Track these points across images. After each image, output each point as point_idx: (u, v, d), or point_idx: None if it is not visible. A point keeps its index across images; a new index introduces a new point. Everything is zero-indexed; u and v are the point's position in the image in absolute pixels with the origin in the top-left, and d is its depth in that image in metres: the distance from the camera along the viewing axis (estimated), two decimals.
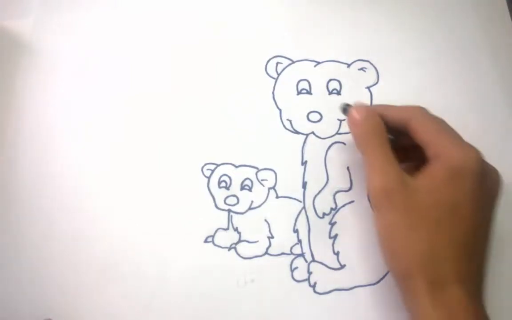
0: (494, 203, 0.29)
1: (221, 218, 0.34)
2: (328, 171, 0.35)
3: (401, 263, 0.27)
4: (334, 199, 0.35)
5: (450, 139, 0.28)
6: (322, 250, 0.33)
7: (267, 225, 0.34)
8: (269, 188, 0.35)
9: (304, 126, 0.36)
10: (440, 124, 0.29)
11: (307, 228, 0.34)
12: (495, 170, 0.30)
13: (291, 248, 0.34)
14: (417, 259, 0.26)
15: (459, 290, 0.26)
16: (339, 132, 0.36)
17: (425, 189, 0.27)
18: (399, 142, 0.31)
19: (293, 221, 0.34)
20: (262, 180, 0.35)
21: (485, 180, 0.28)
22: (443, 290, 0.26)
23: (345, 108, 0.32)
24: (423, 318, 0.26)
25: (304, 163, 0.35)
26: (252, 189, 0.35)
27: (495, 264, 0.30)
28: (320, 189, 0.35)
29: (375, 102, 0.37)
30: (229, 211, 0.34)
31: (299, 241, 0.34)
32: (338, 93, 0.37)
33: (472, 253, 0.27)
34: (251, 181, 0.35)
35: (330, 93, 0.37)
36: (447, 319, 0.25)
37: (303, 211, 0.34)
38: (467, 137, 0.31)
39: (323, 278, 0.33)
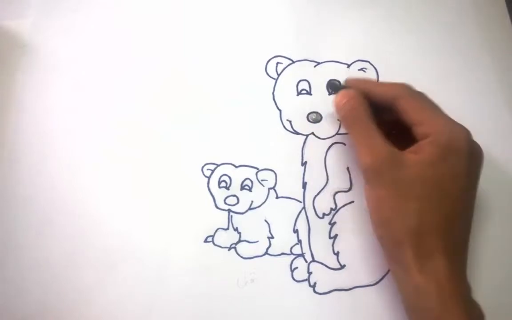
0: (478, 181, 0.30)
1: (221, 218, 0.34)
2: (328, 171, 0.35)
3: (391, 232, 0.28)
4: (334, 199, 0.35)
5: (439, 118, 0.29)
6: (322, 250, 0.33)
7: (267, 225, 0.34)
8: (269, 188, 0.35)
9: (304, 126, 0.36)
10: (426, 102, 0.30)
11: (307, 228, 0.34)
12: (479, 147, 0.30)
13: (291, 248, 0.34)
14: (406, 230, 0.27)
15: (445, 261, 0.27)
16: (339, 132, 0.36)
17: (415, 165, 0.28)
18: (384, 117, 0.32)
19: (293, 221, 0.34)
20: (262, 180, 0.35)
21: (472, 158, 0.29)
22: (430, 260, 0.27)
23: (333, 86, 0.33)
24: (411, 282, 0.27)
25: (304, 163, 0.35)
26: (252, 189, 0.35)
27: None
28: (320, 189, 0.35)
29: None
30: (229, 211, 0.34)
31: (299, 241, 0.34)
32: None
33: (459, 228, 0.28)
34: (251, 181, 0.35)
35: (330, 93, 0.37)
36: (433, 284, 0.26)
37: (303, 211, 0.34)
38: None
39: (323, 278, 0.33)
